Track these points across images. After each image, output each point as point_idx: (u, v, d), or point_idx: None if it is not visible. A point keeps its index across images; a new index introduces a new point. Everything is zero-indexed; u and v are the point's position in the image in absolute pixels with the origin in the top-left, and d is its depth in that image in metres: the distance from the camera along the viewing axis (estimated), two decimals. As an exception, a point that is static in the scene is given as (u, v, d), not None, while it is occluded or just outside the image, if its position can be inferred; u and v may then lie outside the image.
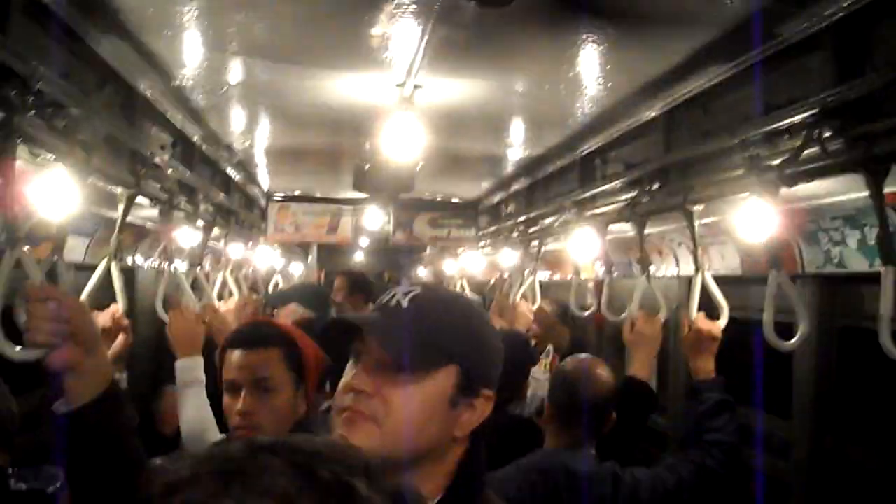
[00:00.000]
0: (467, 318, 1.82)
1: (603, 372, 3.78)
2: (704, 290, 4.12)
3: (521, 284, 7.08)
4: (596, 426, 3.65)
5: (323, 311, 6.09)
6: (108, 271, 3.89)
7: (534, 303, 6.77)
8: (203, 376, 3.68)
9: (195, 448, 3.45)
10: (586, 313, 5.83)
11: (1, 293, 2.47)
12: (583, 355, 4.06)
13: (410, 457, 1.71)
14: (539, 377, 4.96)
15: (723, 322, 3.88)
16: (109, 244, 4.03)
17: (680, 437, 5.19)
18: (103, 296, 3.92)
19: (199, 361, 3.74)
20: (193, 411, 3.57)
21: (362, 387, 1.70)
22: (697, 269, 4.09)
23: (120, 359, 3.49)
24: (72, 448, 2.08)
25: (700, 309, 4.02)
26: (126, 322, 3.58)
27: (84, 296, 3.69)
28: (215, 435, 3.46)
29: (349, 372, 1.76)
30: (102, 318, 3.52)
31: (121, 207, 4.04)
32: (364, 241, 12.02)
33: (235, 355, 2.91)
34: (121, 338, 3.52)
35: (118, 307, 3.72)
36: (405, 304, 1.76)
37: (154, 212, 4.84)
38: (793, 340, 3.39)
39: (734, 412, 3.67)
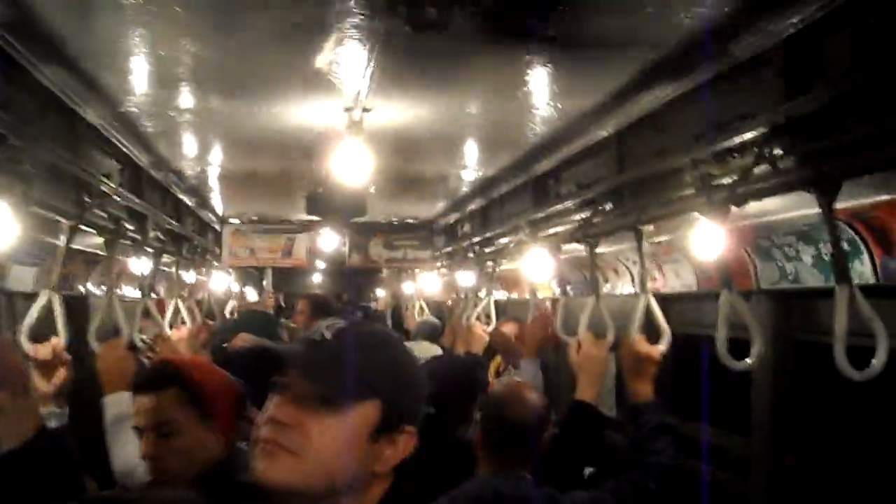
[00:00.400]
0: (392, 354, 1.84)
1: (531, 394, 3.74)
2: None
3: (475, 305, 7.03)
4: (527, 450, 3.60)
5: (273, 336, 6.05)
6: (49, 303, 3.80)
7: (489, 324, 6.72)
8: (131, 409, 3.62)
9: (125, 483, 3.39)
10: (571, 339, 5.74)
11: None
12: (510, 379, 4.04)
13: (328, 491, 1.69)
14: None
15: (663, 345, 3.86)
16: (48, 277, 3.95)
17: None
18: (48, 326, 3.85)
19: (128, 396, 3.67)
20: (122, 448, 3.50)
21: (282, 418, 1.68)
22: (642, 291, 4.07)
23: (60, 393, 3.40)
24: (3, 491, 2.03)
25: (647, 330, 4.00)
26: (67, 356, 3.50)
27: (25, 329, 3.61)
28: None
29: (269, 404, 1.73)
30: (42, 351, 3.43)
31: (63, 238, 3.95)
32: (320, 264, 11.96)
33: (136, 400, 2.86)
34: (61, 371, 3.43)
35: (59, 340, 3.63)
36: (329, 337, 1.75)
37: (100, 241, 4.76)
38: (747, 359, 3.37)
39: (674, 434, 3.66)
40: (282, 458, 1.66)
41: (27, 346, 3.51)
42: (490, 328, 6.56)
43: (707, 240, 3.43)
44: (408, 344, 5.49)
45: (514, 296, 8.80)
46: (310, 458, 1.67)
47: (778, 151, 3.00)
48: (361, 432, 1.72)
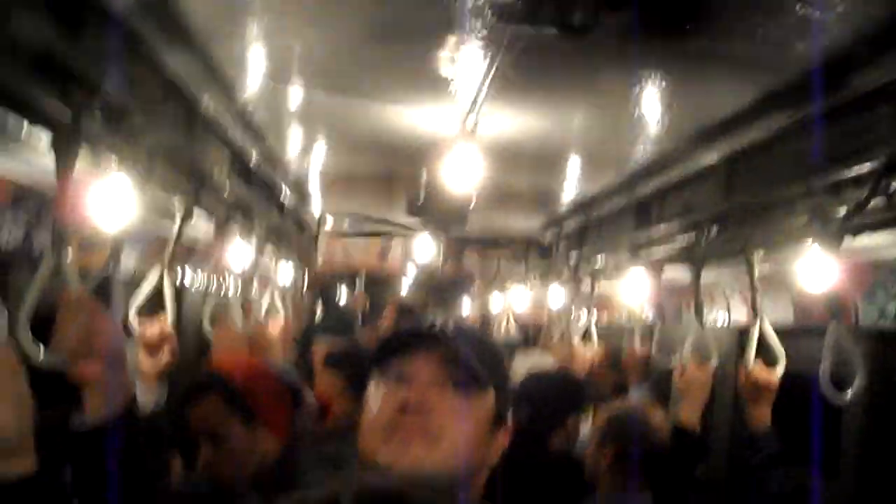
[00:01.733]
0: (499, 350, 1.91)
1: (658, 418, 3.74)
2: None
3: (569, 326, 6.99)
4: (653, 473, 3.60)
5: (349, 334, 6.12)
6: (159, 283, 3.87)
7: (589, 344, 6.69)
8: None
9: None
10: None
11: (36, 297, 2.43)
12: (638, 402, 4.03)
13: (464, 476, 1.71)
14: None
15: (780, 371, 3.80)
16: (158, 258, 4.01)
17: (726, 485, 5.10)
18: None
19: None
20: None
21: (420, 403, 1.69)
22: (756, 316, 4.01)
23: (164, 373, 3.46)
24: (83, 466, 2.07)
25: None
26: (173, 336, 3.55)
27: (133, 309, 3.67)
28: None
29: (394, 391, 1.73)
30: (150, 331, 3.48)
31: (178, 218, 4.02)
32: (412, 271, 12.00)
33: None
34: (165, 352, 3.48)
35: (167, 319, 3.68)
36: (449, 328, 1.79)
37: (205, 229, 4.84)
38: (848, 392, 3.32)
39: (789, 465, 3.62)
40: (417, 444, 1.67)
41: (136, 323, 3.58)
42: (592, 349, 6.54)
43: (815, 271, 3.38)
44: (524, 354, 5.52)
45: (604, 319, 8.74)
46: (445, 444, 1.68)
47: (894, 185, 2.95)
48: (487, 419, 1.76)
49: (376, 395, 1.76)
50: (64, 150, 2.55)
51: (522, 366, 5.21)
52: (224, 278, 5.31)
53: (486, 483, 1.81)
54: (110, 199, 3.02)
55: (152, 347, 3.41)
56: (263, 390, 2.99)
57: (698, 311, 4.63)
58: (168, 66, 3.75)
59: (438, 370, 1.72)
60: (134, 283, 4.57)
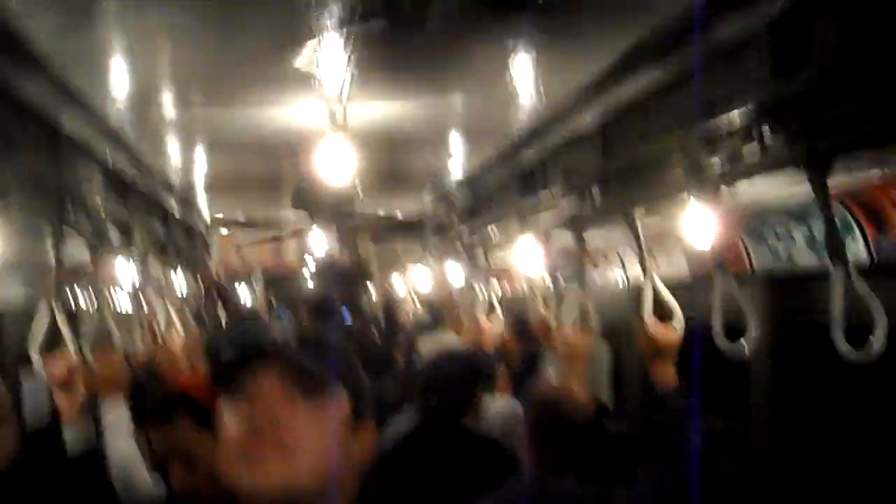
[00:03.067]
0: (347, 349, 1.87)
1: (583, 395, 3.73)
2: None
3: (473, 300, 6.98)
4: (577, 450, 3.58)
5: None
6: (50, 317, 3.74)
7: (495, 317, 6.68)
8: (127, 415, 3.58)
9: (124, 488, 3.36)
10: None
11: None
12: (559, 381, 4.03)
13: (320, 487, 1.66)
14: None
15: (678, 327, 3.80)
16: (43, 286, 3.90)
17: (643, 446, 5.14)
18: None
19: (121, 402, 3.64)
20: (118, 452, 3.46)
21: (268, 421, 1.65)
22: (646, 274, 4.01)
23: (85, 409, 3.35)
24: None
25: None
26: (82, 368, 3.44)
27: (33, 345, 3.55)
28: (142, 474, 3.39)
29: (238, 412, 1.69)
30: (56, 369, 3.36)
31: (49, 246, 3.89)
32: (311, 264, 11.93)
33: (152, 432, 2.85)
34: (80, 387, 3.37)
35: (69, 353, 3.56)
36: (288, 338, 1.76)
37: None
38: (742, 344, 3.33)
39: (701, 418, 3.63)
40: (274, 460, 1.63)
41: (39, 364, 3.47)
42: (497, 322, 6.54)
43: (699, 224, 3.39)
44: (427, 338, 5.47)
45: (508, 290, 8.77)
46: (301, 454, 1.64)
47: (767, 131, 2.96)
48: (340, 423, 1.71)
49: (225, 418, 1.71)
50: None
51: (428, 349, 5.16)
52: (110, 297, 5.16)
53: (368, 482, 1.78)
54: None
55: (64, 387, 3.31)
56: None
57: (580, 277, 4.63)
58: (22, 92, 3.62)
59: (280, 383, 1.67)
60: (26, 311, 4.45)
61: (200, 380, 3.54)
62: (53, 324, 3.72)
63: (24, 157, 3.54)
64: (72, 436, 3.29)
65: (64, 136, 4.29)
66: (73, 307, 5.86)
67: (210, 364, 6.03)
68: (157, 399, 3.07)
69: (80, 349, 3.66)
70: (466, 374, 4.27)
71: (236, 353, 1.80)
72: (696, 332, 3.51)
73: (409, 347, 6.09)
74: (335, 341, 1.85)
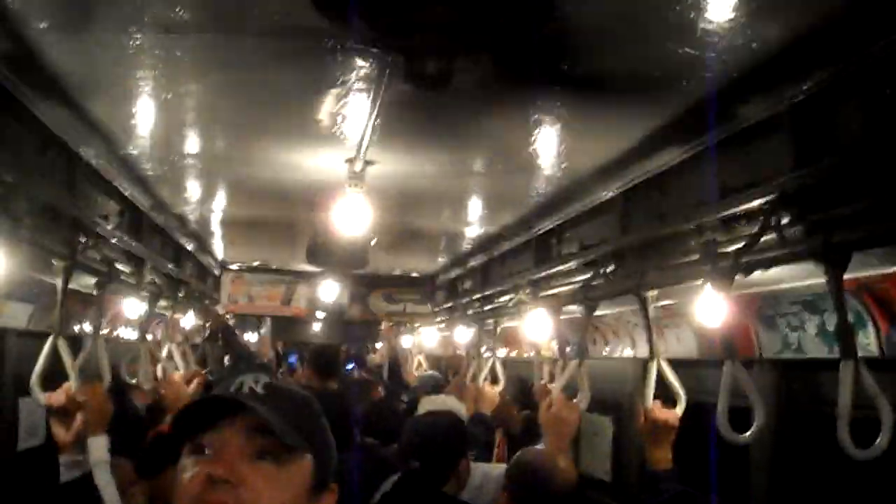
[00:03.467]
0: (317, 410, 1.80)
1: (563, 463, 3.68)
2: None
3: (479, 365, 6.94)
4: None
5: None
6: (54, 348, 3.75)
7: (496, 384, 6.64)
8: (107, 456, 3.56)
9: None
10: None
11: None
12: (542, 447, 3.97)
13: None
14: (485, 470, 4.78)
15: (679, 410, 3.76)
16: (52, 311, 3.90)
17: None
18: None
19: (105, 440, 3.61)
20: (106, 488, 3.43)
21: (226, 475, 1.59)
22: (652, 356, 3.97)
23: (80, 440, 3.35)
24: None
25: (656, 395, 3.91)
26: (82, 399, 3.45)
27: (34, 378, 3.60)
28: None
29: (201, 463, 1.63)
30: (55, 399, 3.39)
31: (58, 281, 3.89)
32: (320, 314, 11.90)
33: (141, 484, 2.83)
34: (79, 418, 3.38)
35: (71, 384, 3.57)
36: (260, 390, 1.70)
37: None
38: (748, 433, 3.28)
39: (694, 503, 3.57)
40: None
41: (39, 395, 3.52)
42: (499, 388, 6.50)
43: (711, 307, 3.35)
44: (428, 399, 5.43)
45: (514, 353, 8.71)
46: None
47: (785, 220, 2.93)
48: (302, 486, 1.67)
49: (184, 466, 1.65)
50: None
51: (427, 409, 5.11)
52: (115, 332, 5.14)
53: None
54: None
55: (62, 416, 3.32)
56: None
57: (580, 350, 4.61)
58: (42, 119, 3.63)
59: (245, 440, 1.62)
60: (29, 337, 4.43)
61: None
62: (56, 353, 3.73)
63: (40, 184, 3.53)
64: (67, 463, 3.29)
65: (81, 166, 4.30)
66: (74, 336, 5.83)
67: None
68: (146, 446, 3.06)
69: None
70: (451, 439, 4.22)
71: (204, 401, 1.75)
72: (703, 416, 3.46)
73: (411, 406, 6.04)
74: (311, 399, 1.81)
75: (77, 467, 3.29)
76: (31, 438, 5.17)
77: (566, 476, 3.64)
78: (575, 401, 4.36)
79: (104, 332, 6.16)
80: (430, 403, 5.53)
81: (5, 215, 3.08)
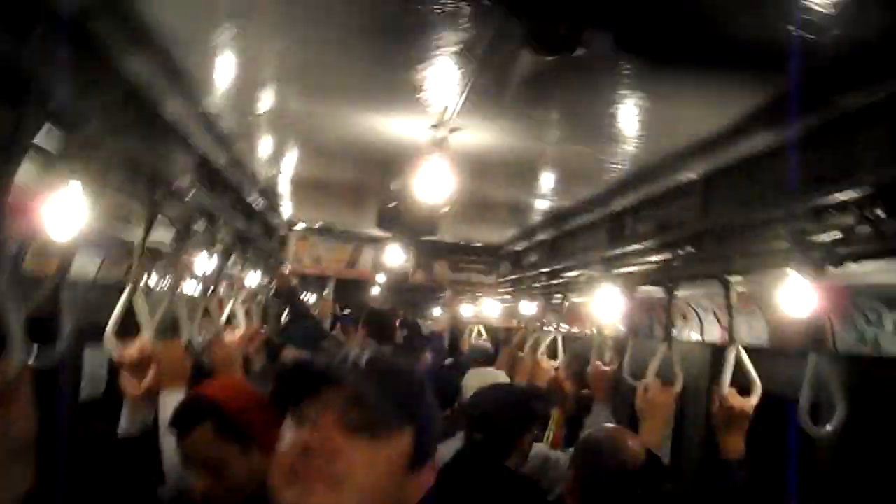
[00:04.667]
0: (420, 385, 1.79)
1: (634, 442, 3.62)
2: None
3: (538, 339, 6.89)
4: (628, 500, 3.47)
5: (321, 348, 6.01)
6: (130, 300, 3.75)
7: (556, 359, 6.60)
8: None
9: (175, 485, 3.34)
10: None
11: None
12: (609, 426, 3.93)
13: None
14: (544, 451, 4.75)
15: (754, 398, 3.71)
16: (122, 265, 3.90)
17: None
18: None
19: (181, 395, 3.61)
20: (172, 447, 3.43)
21: (321, 447, 1.60)
22: (732, 342, 3.91)
23: (150, 395, 3.36)
24: None
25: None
26: (155, 356, 3.45)
27: (109, 329, 3.58)
28: None
29: (297, 432, 1.65)
30: (129, 353, 3.39)
31: (138, 233, 3.89)
32: (382, 278, 11.92)
33: (177, 438, 2.82)
34: (151, 372, 3.38)
35: (146, 338, 3.57)
36: (362, 363, 1.70)
37: (168, 235, 4.71)
38: (828, 426, 3.22)
39: (761, 495, 3.53)
40: (320, 489, 1.59)
41: (113, 345, 3.51)
42: (557, 363, 6.45)
43: (794, 297, 3.28)
44: (476, 371, 5.40)
45: (574, 329, 8.65)
46: (350, 489, 1.60)
47: (881, 213, 2.84)
48: (399, 462, 1.67)
49: (283, 433, 1.68)
50: (5, 159, 2.41)
51: (474, 385, 5.09)
52: (183, 286, 5.15)
53: None
54: (64, 208, 2.89)
55: (134, 369, 3.33)
56: (256, 413, 2.87)
57: (668, 333, 4.54)
58: (128, 70, 3.61)
59: (343, 412, 1.63)
60: (96, 288, 4.44)
61: (238, 384, 3.52)
62: (130, 306, 3.73)
63: (122, 137, 3.52)
64: (130, 417, 3.30)
65: (161, 120, 4.29)
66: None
67: (268, 366, 6.02)
68: (181, 403, 3.05)
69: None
70: (516, 413, 4.19)
71: (307, 368, 1.73)
72: (786, 405, 3.41)
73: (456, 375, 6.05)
74: (416, 373, 1.79)
75: (139, 423, 3.30)
76: (92, 390, 5.23)
77: (636, 456, 3.58)
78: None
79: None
80: (476, 375, 5.50)
81: (93, 163, 3.07)
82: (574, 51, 2.65)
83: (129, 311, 3.73)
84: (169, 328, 4.24)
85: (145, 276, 5.86)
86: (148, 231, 3.94)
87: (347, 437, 1.61)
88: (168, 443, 3.37)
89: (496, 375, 5.97)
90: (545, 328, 7.20)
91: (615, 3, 2.60)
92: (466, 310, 11.85)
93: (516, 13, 2.62)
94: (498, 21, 2.72)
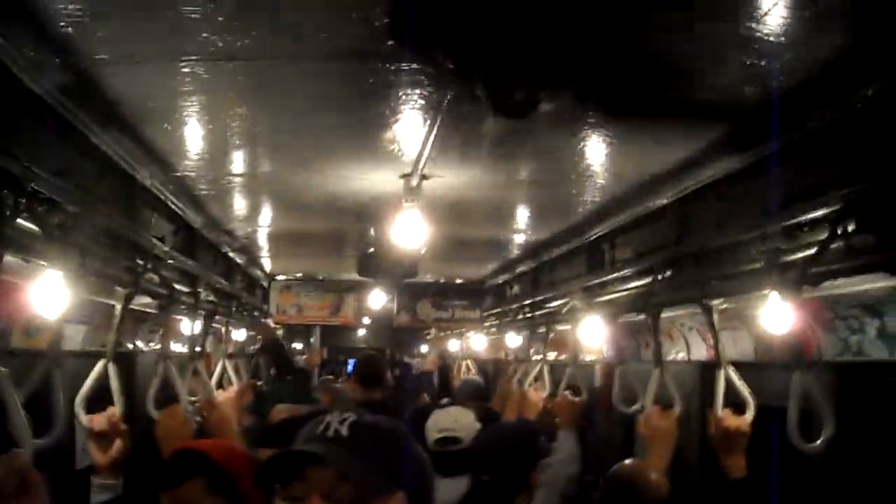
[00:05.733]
0: (406, 442, 1.77)
1: (655, 476, 3.66)
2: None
3: (525, 370, 6.90)
4: None
5: (309, 401, 6.02)
6: (104, 371, 3.75)
7: (543, 390, 6.58)
8: None
9: None
10: (632, 409, 5.47)
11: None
12: (634, 460, 3.95)
13: None
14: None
15: (749, 416, 3.73)
16: (107, 331, 3.91)
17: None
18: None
19: None
20: None
21: None
22: (720, 364, 3.93)
23: (117, 465, 3.35)
24: None
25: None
26: (124, 427, 3.44)
27: (79, 399, 3.58)
28: None
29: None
30: (97, 422, 3.38)
31: (118, 307, 3.90)
32: (367, 321, 11.93)
33: (163, 496, 2.78)
34: (118, 443, 3.38)
35: (116, 410, 3.57)
36: (345, 432, 1.69)
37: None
38: (818, 441, 3.25)
39: None
40: None
41: (83, 416, 3.49)
42: (544, 394, 6.44)
43: (776, 315, 3.32)
44: (439, 412, 5.37)
45: (561, 357, 8.67)
46: None
47: (852, 227, 2.89)
48: None
49: None
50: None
51: (436, 425, 4.99)
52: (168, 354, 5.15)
53: None
54: (45, 293, 2.91)
55: (102, 439, 3.31)
56: (245, 470, 2.85)
57: (658, 359, 4.56)
58: (101, 146, 3.66)
59: (332, 488, 1.61)
60: (83, 357, 4.43)
61: (228, 440, 3.53)
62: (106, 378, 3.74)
63: (101, 211, 3.56)
64: (100, 485, 3.28)
65: (138, 190, 4.33)
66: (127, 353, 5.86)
67: (256, 423, 6.01)
68: (169, 458, 3.03)
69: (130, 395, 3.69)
70: (524, 450, 4.18)
71: (290, 454, 1.74)
72: (776, 417, 3.44)
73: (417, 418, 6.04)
74: (399, 433, 1.79)
75: (109, 490, 3.28)
76: (87, 458, 5.20)
77: (659, 490, 3.62)
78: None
79: (155, 346, 6.22)
80: (441, 416, 5.46)
81: (72, 247, 3.10)
82: (529, 115, 2.69)
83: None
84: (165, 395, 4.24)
85: (134, 340, 5.87)
86: (128, 303, 3.95)
87: None
88: None
89: (459, 414, 5.89)
90: (532, 358, 7.19)
91: (568, 65, 2.65)
92: (453, 345, 11.86)
93: (473, 78, 2.67)
94: (458, 85, 2.78)
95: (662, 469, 3.93)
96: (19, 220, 2.76)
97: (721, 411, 3.71)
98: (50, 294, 2.95)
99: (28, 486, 1.99)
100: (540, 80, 2.62)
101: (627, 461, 3.91)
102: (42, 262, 2.92)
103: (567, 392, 5.54)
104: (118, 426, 3.34)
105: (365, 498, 1.62)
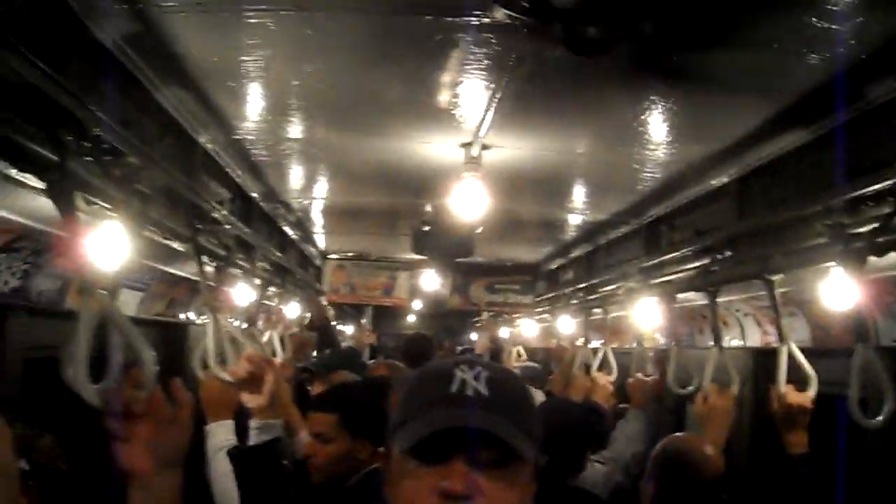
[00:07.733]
0: (531, 395, 1.71)
1: (710, 450, 3.62)
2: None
3: (588, 355, 6.85)
4: None
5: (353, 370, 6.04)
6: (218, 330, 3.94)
7: (610, 373, 6.53)
8: (234, 439, 3.54)
9: None
10: (688, 389, 5.09)
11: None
12: (689, 434, 3.92)
13: None
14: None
15: (812, 392, 3.69)
16: (161, 298, 3.94)
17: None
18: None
19: (229, 426, 3.62)
20: (222, 476, 3.41)
21: (463, 491, 1.50)
22: (783, 340, 3.89)
23: (274, 402, 3.30)
24: None
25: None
26: (271, 361, 3.41)
27: (212, 360, 3.89)
28: None
29: (429, 474, 1.54)
30: (237, 371, 3.32)
31: (177, 262, 3.94)
32: (418, 304, 11.92)
33: (309, 414, 3.69)
34: (269, 378, 3.30)
35: (250, 352, 3.54)
36: (484, 391, 1.58)
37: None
38: (879, 417, 3.19)
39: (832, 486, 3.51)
40: None
41: (220, 373, 3.75)
42: (612, 378, 6.40)
43: (839, 292, 3.27)
44: None
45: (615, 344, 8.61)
46: None
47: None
48: (530, 485, 1.61)
49: (413, 474, 1.57)
50: (58, 196, 2.44)
51: None
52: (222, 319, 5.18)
53: None
54: (106, 243, 2.91)
55: (249, 384, 3.27)
56: (373, 415, 3.49)
57: (717, 338, 4.51)
58: (164, 103, 3.67)
59: (478, 451, 1.53)
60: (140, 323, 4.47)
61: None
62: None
63: (161, 167, 3.57)
64: (260, 426, 3.23)
65: (198, 151, 4.35)
66: (181, 323, 5.90)
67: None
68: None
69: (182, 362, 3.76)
70: (582, 431, 4.16)
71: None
72: (834, 403, 3.39)
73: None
74: (522, 397, 1.70)
75: (269, 430, 3.22)
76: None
77: (714, 464, 3.59)
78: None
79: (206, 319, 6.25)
80: None
81: (133, 196, 3.10)
82: (606, 52, 2.63)
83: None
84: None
85: (188, 309, 5.91)
86: (201, 266, 3.98)
87: (487, 476, 1.53)
88: (222, 467, 3.37)
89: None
90: (588, 344, 7.14)
91: (646, 5, 2.61)
92: (504, 331, 11.81)
93: (549, 19, 2.62)
94: (530, 32, 2.74)
95: (719, 447, 3.90)
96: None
97: (784, 387, 3.68)
98: (110, 245, 2.95)
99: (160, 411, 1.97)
100: (617, 18, 2.56)
101: (680, 434, 3.88)
102: (106, 206, 2.94)
103: (640, 374, 5.57)
104: (261, 365, 3.28)
105: (510, 460, 1.55)
